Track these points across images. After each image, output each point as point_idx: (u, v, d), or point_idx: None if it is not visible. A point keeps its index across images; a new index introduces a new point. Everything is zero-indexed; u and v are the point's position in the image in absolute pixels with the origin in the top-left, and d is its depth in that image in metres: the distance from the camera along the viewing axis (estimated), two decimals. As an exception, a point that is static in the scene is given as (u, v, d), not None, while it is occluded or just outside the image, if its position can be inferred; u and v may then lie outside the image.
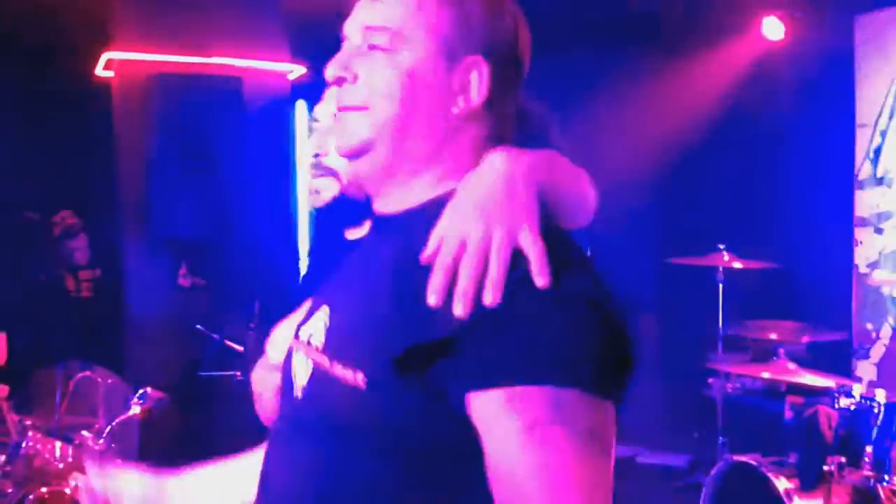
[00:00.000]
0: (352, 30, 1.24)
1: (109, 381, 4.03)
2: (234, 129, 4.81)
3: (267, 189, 4.96)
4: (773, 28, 5.72)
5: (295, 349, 1.28)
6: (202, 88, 4.84)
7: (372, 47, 1.20)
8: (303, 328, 1.28)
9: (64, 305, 5.60)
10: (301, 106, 5.48)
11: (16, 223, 5.82)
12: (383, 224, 1.25)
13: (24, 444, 2.82)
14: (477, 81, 1.18)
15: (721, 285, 5.05)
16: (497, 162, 1.15)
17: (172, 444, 4.55)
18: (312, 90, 1.95)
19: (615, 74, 6.11)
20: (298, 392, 1.22)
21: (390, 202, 1.23)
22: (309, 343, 1.23)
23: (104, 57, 5.18)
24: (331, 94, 1.80)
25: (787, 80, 5.88)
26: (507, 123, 1.23)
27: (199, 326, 4.62)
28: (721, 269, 5.00)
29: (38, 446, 2.85)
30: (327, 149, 1.84)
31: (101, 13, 5.28)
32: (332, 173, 1.84)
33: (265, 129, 5.02)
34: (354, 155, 1.21)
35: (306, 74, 5.29)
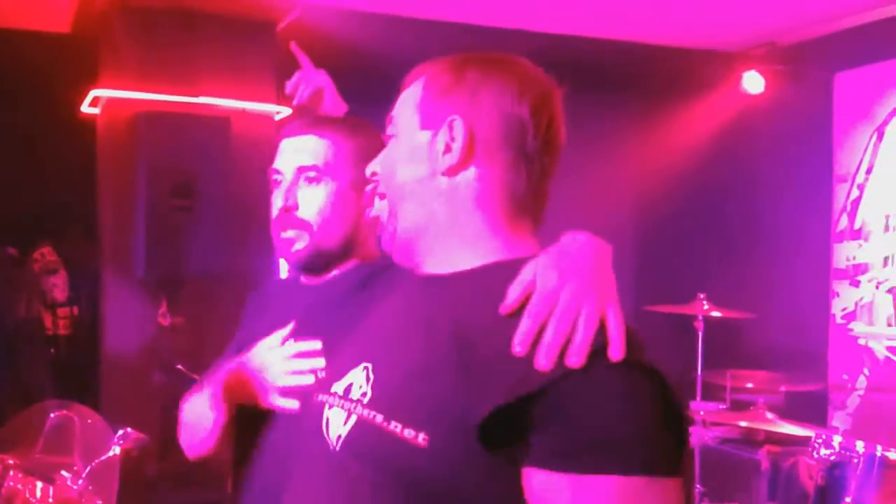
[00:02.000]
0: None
1: (88, 420, 3.97)
2: (220, 168, 4.79)
3: (251, 228, 4.94)
4: (753, 82, 5.81)
5: (327, 402, 1.28)
6: (188, 127, 4.80)
7: (386, 137, 1.34)
8: (337, 384, 1.28)
9: (41, 343, 5.54)
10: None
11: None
12: (428, 284, 1.28)
13: (4, 483, 2.79)
14: (458, 139, 1.24)
15: (700, 333, 5.08)
16: (584, 239, 1.21)
17: (151, 485, 4.50)
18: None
19: (596, 124, 6.16)
20: (336, 443, 1.22)
21: (434, 266, 1.28)
22: (346, 396, 1.24)
23: (91, 94, 5.17)
24: (297, 152, 1.83)
25: (767, 134, 5.96)
26: (527, 198, 1.26)
27: (179, 366, 4.59)
28: (700, 317, 5.02)
29: (19, 486, 2.81)
30: (296, 202, 1.83)
31: (89, 50, 5.28)
32: (305, 225, 1.83)
33: (250, 169, 5.03)
34: (389, 231, 1.31)
35: (292, 115, 5.30)
